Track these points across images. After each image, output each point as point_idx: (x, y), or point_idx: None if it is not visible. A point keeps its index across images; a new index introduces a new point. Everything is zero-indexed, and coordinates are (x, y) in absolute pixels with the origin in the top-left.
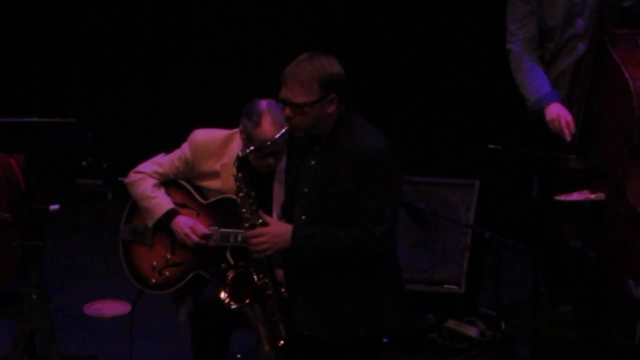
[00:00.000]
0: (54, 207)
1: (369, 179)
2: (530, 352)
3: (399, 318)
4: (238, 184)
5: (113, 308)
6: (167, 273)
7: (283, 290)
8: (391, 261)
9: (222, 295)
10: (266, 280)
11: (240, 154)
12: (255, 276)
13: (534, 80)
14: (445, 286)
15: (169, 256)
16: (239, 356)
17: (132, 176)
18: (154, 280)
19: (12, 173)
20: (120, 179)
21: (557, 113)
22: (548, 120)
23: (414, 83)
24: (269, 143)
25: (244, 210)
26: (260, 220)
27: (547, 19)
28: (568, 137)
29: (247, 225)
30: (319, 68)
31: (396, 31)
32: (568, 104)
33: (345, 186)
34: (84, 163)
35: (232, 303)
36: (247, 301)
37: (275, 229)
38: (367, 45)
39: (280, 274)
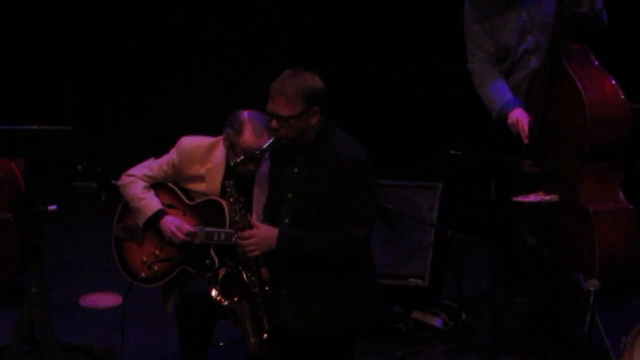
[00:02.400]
0: (52, 207)
1: (348, 187)
2: (488, 340)
3: (373, 313)
4: (229, 190)
5: (106, 300)
6: (155, 268)
7: (267, 287)
8: (367, 261)
9: (214, 292)
10: (253, 278)
11: (232, 163)
12: (244, 275)
13: (497, 92)
14: (411, 280)
15: (157, 252)
16: (221, 344)
17: (124, 179)
18: (143, 275)
19: (13, 176)
20: (113, 181)
21: (516, 117)
22: (509, 124)
23: (382, 94)
24: (257, 152)
25: (234, 214)
26: (250, 224)
27: (500, 38)
28: (526, 140)
29: (237, 228)
30: (302, 83)
31: (365, 42)
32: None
33: (326, 193)
34: (79, 167)
35: (222, 300)
36: (236, 298)
37: (263, 232)
38: (336, 54)
39: (265, 272)
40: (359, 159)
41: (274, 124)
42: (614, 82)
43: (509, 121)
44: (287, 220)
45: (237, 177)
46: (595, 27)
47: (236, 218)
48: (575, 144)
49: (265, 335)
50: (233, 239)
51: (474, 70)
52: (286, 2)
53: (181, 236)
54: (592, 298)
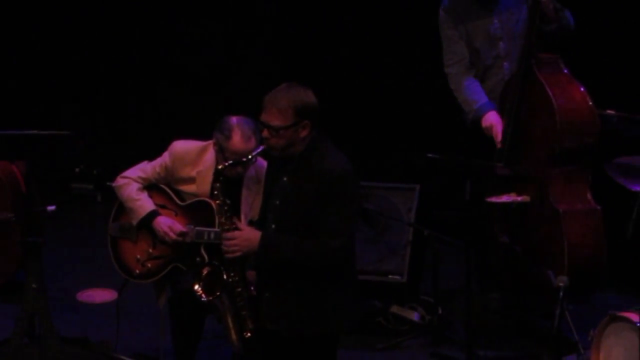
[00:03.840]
0: (51, 207)
1: (330, 199)
2: (463, 333)
3: (353, 317)
4: (216, 192)
5: (102, 295)
6: (149, 265)
7: (252, 288)
8: (348, 266)
9: (196, 287)
10: (237, 278)
11: (220, 166)
12: (225, 274)
13: (472, 95)
14: (390, 276)
15: (150, 250)
16: (212, 338)
17: (119, 181)
18: (137, 271)
19: (14, 178)
20: (108, 183)
21: (491, 121)
22: (484, 127)
23: (364, 102)
24: (244, 159)
25: (220, 216)
26: (234, 226)
27: (473, 43)
28: (499, 144)
29: (222, 229)
30: (295, 97)
31: (347, 50)
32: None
33: (309, 203)
34: (76, 170)
35: (203, 295)
36: (217, 293)
37: (246, 234)
38: (322, 62)
39: (251, 274)
40: (343, 174)
41: (265, 133)
42: (582, 89)
43: (484, 125)
44: (273, 226)
45: (226, 179)
46: (563, 39)
47: (222, 220)
48: (545, 148)
49: (247, 334)
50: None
51: (450, 74)
52: (275, 11)
53: (173, 236)
54: (561, 294)
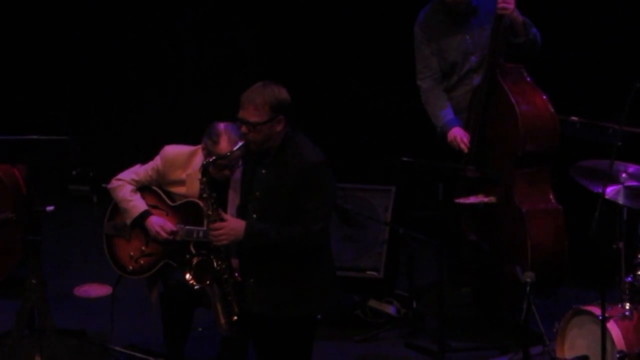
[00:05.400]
0: (50, 208)
1: (308, 187)
2: (436, 326)
3: (331, 299)
4: (202, 187)
5: (98, 290)
6: (142, 262)
7: (237, 275)
8: (325, 253)
9: (188, 276)
10: (223, 266)
11: (204, 162)
12: (215, 262)
13: (440, 111)
14: (368, 272)
15: (143, 248)
16: (200, 329)
17: (114, 183)
18: (131, 268)
19: (15, 180)
20: (103, 185)
21: (454, 135)
22: (449, 141)
23: (345, 110)
24: (228, 153)
25: (207, 208)
26: (220, 217)
27: (446, 57)
28: (465, 149)
29: (209, 220)
30: (270, 94)
31: (328, 60)
32: (466, 125)
33: (289, 192)
34: (74, 172)
35: (195, 284)
36: (208, 282)
37: (232, 224)
38: (304, 72)
39: (235, 262)
40: (319, 163)
41: (243, 129)
42: (544, 97)
43: (449, 139)
44: (255, 216)
45: (212, 180)
46: (530, 52)
47: (209, 212)
48: (509, 152)
49: (234, 318)
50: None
51: (422, 87)
52: (259, 25)
53: (164, 234)
54: (528, 288)
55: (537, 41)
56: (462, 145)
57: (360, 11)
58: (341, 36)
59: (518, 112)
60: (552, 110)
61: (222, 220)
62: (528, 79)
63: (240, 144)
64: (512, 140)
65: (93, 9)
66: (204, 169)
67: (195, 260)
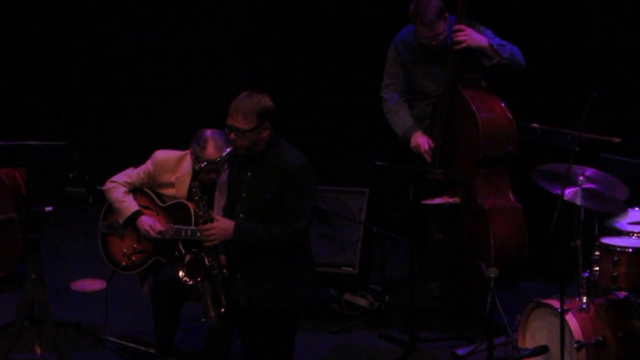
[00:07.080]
0: (49, 208)
1: (291, 188)
2: (407, 318)
3: (310, 292)
4: (194, 190)
5: (93, 284)
6: (134, 258)
7: (225, 270)
8: (306, 249)
9: (180, 274)
10: (213, 262)
11: (196, 167)
12: (206, 259)
13: (401, 119)
14: (343, 268)
15: (135, 245)
16: (203, 320)
17: (108, 185)
18: (124, 264)
19: (16, 183)
20: (98, 187)
21: (417, 142)
22: (412, 147)
23: (321, 114)
24: (218, 159)
25: (198, 209)
26: (211, 217)
27: (413, 83)
28: (428, 159)
29: (200, 221)
30: (257, 103)
31: (307, 71)
32: (430, 131)
33: (273, 192)
34: (70, 175)
35: (187, 280)
36: (199, 279)
37: (222, 224)
38: (283, 78)
39: (223, 258)
40: (300, 165)
41: (232, 135)
42: (503, 104)
43: (412, 145)
44: (241, 216)
45: (201, 182)
46: (513, 69)
47: (200, 213)
48: (471, 155)
49: (222, 310)
50: (197, 235)
51: (384, 98)
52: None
53: (154, 233)
54: (492, 283)
55: (515, 59)
56: (426, 156)
57: (336, 16)
58: (317, 39)
59: (478, 119)
60: (510, 115)
61: (213, 220)
62: (486, 87)
63: (228, 150)
64: (474, 144)
65: (90, 20)
66: (196, 175)
67: (187, 258)
